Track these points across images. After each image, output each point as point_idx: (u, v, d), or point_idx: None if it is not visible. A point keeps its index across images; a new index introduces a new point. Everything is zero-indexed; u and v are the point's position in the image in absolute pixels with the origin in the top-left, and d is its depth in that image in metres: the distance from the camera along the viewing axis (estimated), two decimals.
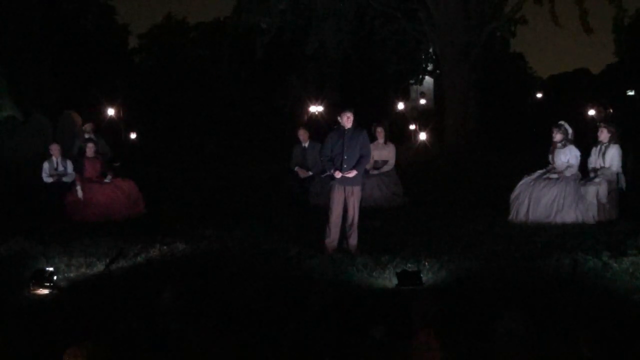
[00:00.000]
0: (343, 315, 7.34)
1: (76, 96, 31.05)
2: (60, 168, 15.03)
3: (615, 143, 12.98)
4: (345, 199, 10.81)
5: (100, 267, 10.14)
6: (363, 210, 14.38)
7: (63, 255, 10.79)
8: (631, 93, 39.74)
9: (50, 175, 14.94)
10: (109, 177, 14.68)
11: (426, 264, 9.74)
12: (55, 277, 9.30)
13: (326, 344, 6.70)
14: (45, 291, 8.99)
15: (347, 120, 10.76)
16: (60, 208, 14.32)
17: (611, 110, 20.30)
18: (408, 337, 6.43)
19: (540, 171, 13.09)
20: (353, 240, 10.84)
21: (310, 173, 15.62)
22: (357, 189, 10.87)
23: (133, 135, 26.82)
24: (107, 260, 10.26)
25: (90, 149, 14.79)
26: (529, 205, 12.72)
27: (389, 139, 15.62)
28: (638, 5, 39.15)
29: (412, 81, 36.00)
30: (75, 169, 14.85)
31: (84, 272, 9.99)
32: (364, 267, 9.73)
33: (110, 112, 24.57)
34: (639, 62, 39.28)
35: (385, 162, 15.33)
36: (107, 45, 39.57)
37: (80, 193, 14.23)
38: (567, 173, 12.75)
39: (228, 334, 6.97)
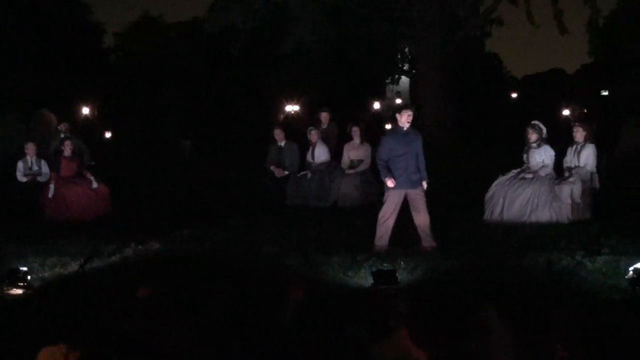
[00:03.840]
0: (318, 314, 7.34)
1: (51, 95, 30.84)
2: (35, 167, 14.94)
3: (590, 143, 13.07)
4: (412, 203, 10.72)
5: (74, 266, 10.08)
6: (339, 210, 14.49)
7: (37, 255, 10.71)
8: (605, 93, 40.02)
9: (25, 175, 14.85)
10: (95, 183, 14.58)
11: (402, 263, 9.76)
12: (29, 277, 9.22)
13: (302, 343, 6.70)
14: (19, 291, 8.92)
15: (407, 119, 10.58)
16: (35, 207, 14.23)
17: (585, 110, 20.43)
18: (384, 336, 6.44)
19: (515, 171, 13.15)
20: (429, 243, 10.77)
21: (286, 173, 15.62)
22: (420, 190, 10.79)
23: (108, 135, 26.72)
24: (82, 260, 10.20)
25: (67, 148, 14.70)
26: (503, 204, 12.78)
27: (365, 138, 15.64)
28: (612, 7, 39.43)
29: (388, 81, 36.04)
30: (50, 168, 14.77)
31: (58, 272, 9.92)
32: (340, 266, 9.74)
33: (85, 111, 24.45)
34: (613, 62, 39.54)
35: (361, 162, 15.35)
36: (82, 43, 39.31)
37: (51, 192, 14.15)
38: (542, 173, 12.82)
39: (204, 334, 6.95)
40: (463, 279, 9.06)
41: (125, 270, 9.90)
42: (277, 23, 27.18)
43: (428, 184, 10.94)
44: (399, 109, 10.78)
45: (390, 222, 10.78)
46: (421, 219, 10.82)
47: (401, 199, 10.73)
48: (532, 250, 10.29)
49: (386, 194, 10.83)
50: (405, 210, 13.78)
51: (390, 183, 10.59)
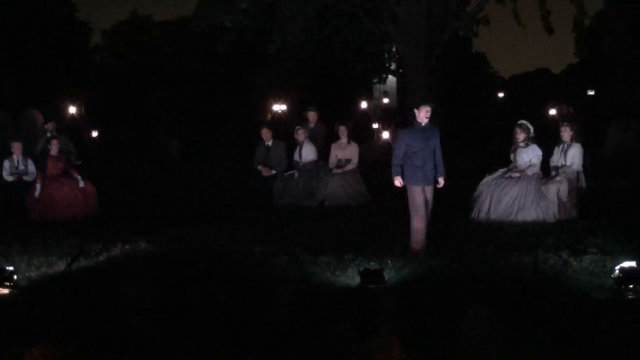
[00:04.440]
0: (306, 314, 7.35)
1: (37, 94, 30.74)
2: (21, 167, 14.90)
3: (577, 142, 13.12)
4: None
5: (61, 266, 10.05)
6: (326, 209, 14.49)
7: (23, 254, 10.68)
8: (591, 93, 40.17)
9: (11, 174, 14.80)
10: (82, 183, 14.55)
11: (389, 262, 9.77)
12: (15, 277, 9.19)
13: (290, 343, 6.70)
14: (5, 291, 8.88)
15: (425, 115, 10.44)
16: (21, 207, 14.19)
17: (572, 110, 20.51)
18: (371, 335, 6.45)
19: (502, 170, 13.19)
20: (419, 245, 10.60)
21: (274, 172, 15.63)
22: (431, 187, 10.72)
23: (94, 134, 26.65)
24: (68, 260, 10.18)
25: (54, 147, 14.67)
26: (490, 203, 12.82)
27: (352, 138, 15.66)
28: (598, 7, 39.59)
29: (375, 80, 36.09)
30: (37, 168, 14.72)
31: (44, 272, 9.88)
32: (327, 265, 9.74)
33: (72, 110, 24.37)
34: (599, 62, 39.69)
35: (348, 161, 15.36)
36: (69, 42, 39.17)
37: (38, 192, 14.11)
38: (529, 172, 12.86)
39: (191, 333, 6.94)
40: (450, 278, 9.08)
41: (112, 270, 9.87)
42: (264, 22, 27.15)
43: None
44: (418, 104, 10.61)
45: (421, 222, 10.57)
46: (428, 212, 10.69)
47: (423, 194, 10.54)
48: (519, 249, 10.32)
49: (409, 195, 10.61)
50: (390, 216, 13.84)
51: (397, 183, 10.53)
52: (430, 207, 10.70)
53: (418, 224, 10.55)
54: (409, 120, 11.11)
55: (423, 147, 10.46)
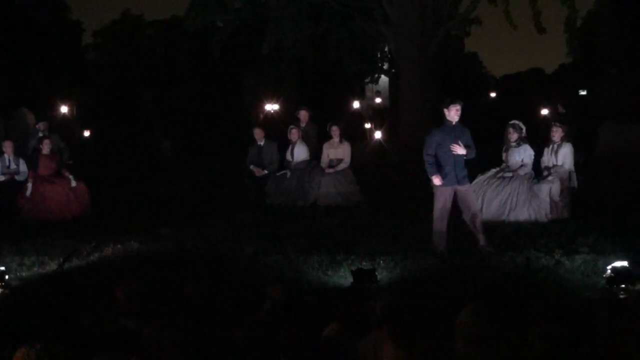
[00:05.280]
0: (298, 313, 7.34)
1: (29, 93, 30.63)
2: (13, 166, 14.85)
3: (567, 142, 13.15)
4: (461, 200, 10.53)
5: (53, 266, 10.04)
6: (318, 209, 14.49)
7: (15, 254, 10.67)
8: (583, 93, 40.21)
9: (2, 174, 14.76)
10: (74, 182, 14.52)
11: (381, 262, 9.79)
12: (7, 277, 9.19)
13: (281, 343, 6.70)
14: None
15: (455, 113, 10.33)
16: (13, 206, 14.15)
17: (564, 110, 20.50)
18: (363, 335, 6.44)
19: (494, 170, 13.20)
20: (485, 241, 10.59)
21: (266, 172, 15.63)
22: (468, 186, 10.71)
23: (86, 133, 26.54)
24: (60, 259, 10.17)
25: (46, 146, 14.64)
26: (482, 203, 12.81)
27: (344, 137, 15.66)
28: (590, 7, 39.60)
29: (367, 80, 36.05)
30: (28, 167, 14.69)
31: (36, 271, 9.88)
32: (319, 265, 9.75)
33: (64, 109, 24.25)
34: (592, 62, 39.73)
35: (340, 161, 15.36)
36: (61, 42, 39.05)
37: (29, 191, 14.08)
38: (521, 172, 12.88)
39: (183, 333, 6.93)
40: (442, 277, 9.10)
41: (104, 270, 9.87)
42: (257, 22, 27.13)
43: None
44: (447, 103, 10.45)
45: (442, 224, 10.49)
46: (473, 215, 10.66)
47: (450, 196, 10.48)
48: (511, 249, 10.35)
49: (435, 195, 10.54)
50: (382, 216, 13.84)
51: (437, 181, 10.35)
52: (472, 209, 10.58)
53: (438, 225, 10.47)
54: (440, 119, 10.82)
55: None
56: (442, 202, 10.42)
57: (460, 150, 10.28)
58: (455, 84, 37.70)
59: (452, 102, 10.39)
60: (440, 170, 10.37)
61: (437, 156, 10.39)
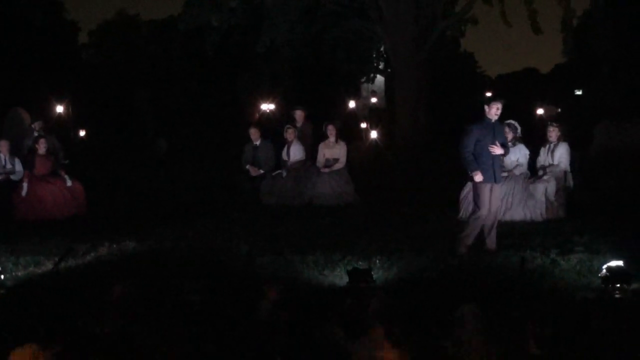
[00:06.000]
0: (294, 313, 7.34)
1: (24, 93, 30.59)
2: (9, 166, 14.82)
3: (563, 142, 13.18)
4: (493, 197, 10.37)
5: (48, 266, 10.02)
6: (314, 208, 14.49)
7: (10, 254, 10.65)
8: (579, 92, 40.22)
9: None
10: (69, 182, 14.51)
11: (377, 261, 9.78)
12: (2, 277, 9.17)
13: (277, 343, 6.70)
14: None
15: (496, 111, 10.21)
16: (8, 206, 14.13)
17: (559, 110, 20.55)
18: (359, 334, 6.45)
19: None
20: (494, 240, 10.54)
21: (262, 171, 15.63)
22: (500, 186, 10.63)
23: (82, 133, 26.51)
24: (56, 259, 10.14)
25: (41, 146, 14.63)
26: None
27: (340, 137, 15.67)
28: (586, 6, 39.61)
29: (363, 79, 36.07)
30: (24, 167, 14.66)
31: (32, 271, 9.86)
32: (315, 265, 9.74)
33: (59, 109, 24.22)
34: (587, 62, 39.75)
35: (336, 161, 15.37)
36: (56, 41, 39.00)
37: (25, 191, 14.06)
38: (517, 172, 12.90)
39: (179, 333, 6.93)
40: (438, 277, 9.10)
41: (100, 269, 9.85)
42: (252, 22, 27.12)
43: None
44: (489, 100, 10.36)
45: (487, 222, 10.38)
46: (493, 215, 10.51)
47: (490, 193, 10.31)
48: (507, 249, 10.35)
49: (476, 193, 10.38)
50: (378, 215, 13.84)
51: (478, 177, 10.16)
52: (503, 208, 10.49)
53: (480, 222, 10.35)
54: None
55: (492, 143, 10.23)
56: (486, 200, 10.25)
57: (498, 150, 10.24)
58: (451, 83, 37.76)
59: (494, 99, 10.33)
60: (480, 169, 10.21)
61: (475, 153, 10.26)
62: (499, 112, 10.27)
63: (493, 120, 10.30)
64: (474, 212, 10.51)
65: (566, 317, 7.21)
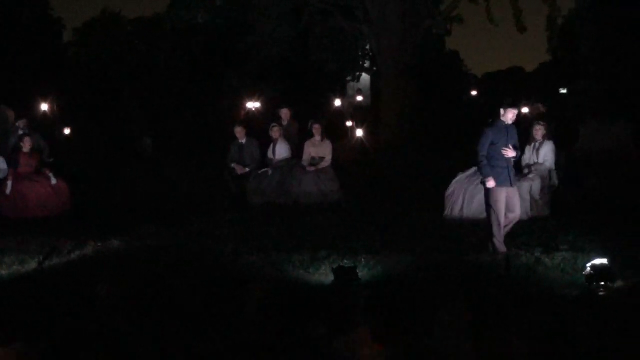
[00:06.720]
0: (279, 311, 7.35)
1: (8, 91, 30.47)
2: None
3: (549, 140, 13.21)
4: (509, 199, 10.31)
5: (33, 264, 9.99)
6: (300, 207, 14.49)
7: None
8: (564, 91, 40.36)
9: None
10: (54, 180, 14.47)
11: (362, 259, 9.79)
12: None
13: (263, 341, 6.70)
14: None
15: (512, 117, 10.20)
16: None
17: (544, 108, 20.57)
18: (345, 332, 6.46)
19: (475, 168, 13.22)
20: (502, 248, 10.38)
21: (247, 170, 15.61)
22: (516, 188, 10.57)
23: (67, 131, 26.42)
24: (41, 258, 10.12)
25: (26, 144, 14.57)
26: (463, 201, 12.86)
27: (325, 136, 15.66)
28: (571, 5, 39.75)
29: (349, 78, 36.12)
30: (8, 165, 14.60)
31: (16, 270, 9.83)
32: (301, 263, 9.74)
33: (44, 107, 24.13)
34: (572, 61, 39.88)
35: (322, 159, 15.36)
36: (41, 39, 38.84)
37: (9, 189, 14.01)
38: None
39: (164, 332, 6.92)
40: (423, 275, 9.12)
41: (84, 268, 9.83)
42: (238, 20, 27.14)
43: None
44: (507, 104, 10.32)
45: (501, 226, 10.30)
46: (514, 218, 10.51)
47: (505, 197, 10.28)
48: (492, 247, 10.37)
49: (491, 198, 10.29)
50: (364, 214, 13.85)
51: (491, 183, 10.13)
52: (515, 212, 10.47)
53: (502, 222, 10.32)
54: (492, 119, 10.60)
55: (506, 145, 10.23)
56: (499, 203, 10.20)
57: (511, 153, 10.24)
58: (437, 82, 37.81)
59: (512, 105, 10.35)
60: (494, 172, 10.19)
61: (489, 156, 10.25)
62: (514, 118, 10.30)
63: (506, 123, 10.29)
64: (489, 214, 10.42)
65: (550, 315, 7.24)
